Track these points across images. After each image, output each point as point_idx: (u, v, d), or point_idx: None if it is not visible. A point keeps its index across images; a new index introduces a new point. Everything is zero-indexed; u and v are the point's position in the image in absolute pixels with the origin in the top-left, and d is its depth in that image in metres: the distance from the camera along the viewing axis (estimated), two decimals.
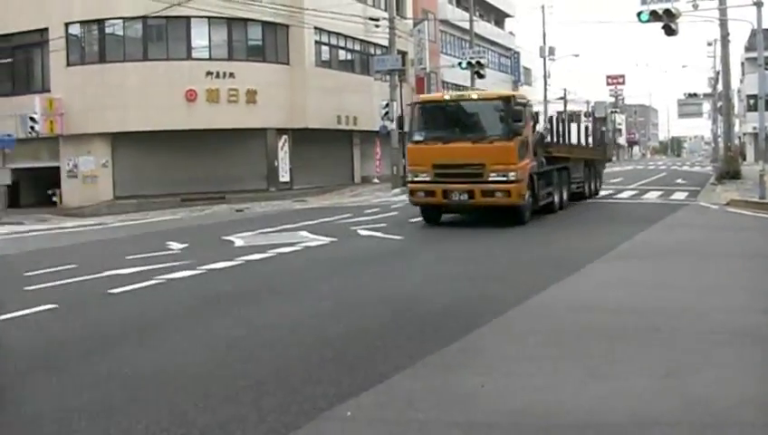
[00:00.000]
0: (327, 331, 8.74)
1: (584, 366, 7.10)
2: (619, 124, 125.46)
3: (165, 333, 9.07)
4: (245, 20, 36.85)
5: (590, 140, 29.92)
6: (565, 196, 23.92)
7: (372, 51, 45.51)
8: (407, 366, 7.10)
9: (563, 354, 7.51)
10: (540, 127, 24.58)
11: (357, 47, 45.09)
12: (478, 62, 45.05)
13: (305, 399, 6.30)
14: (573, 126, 28.55)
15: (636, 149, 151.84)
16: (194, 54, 36.40)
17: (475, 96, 21.52)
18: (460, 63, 46.52)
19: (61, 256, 16.57)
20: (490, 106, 19.78)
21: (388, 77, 40.74)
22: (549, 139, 23.32)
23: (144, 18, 34.75)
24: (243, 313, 10.08)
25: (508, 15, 79.02)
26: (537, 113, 25.69)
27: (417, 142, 20.11)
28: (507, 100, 19.86)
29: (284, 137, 39.12)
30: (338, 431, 5.74)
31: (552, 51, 77.24)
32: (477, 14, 60.74)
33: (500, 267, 13.65)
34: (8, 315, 9.83)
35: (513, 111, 19.11)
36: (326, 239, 17.95)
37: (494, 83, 63.49)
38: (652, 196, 30.03)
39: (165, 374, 7.20)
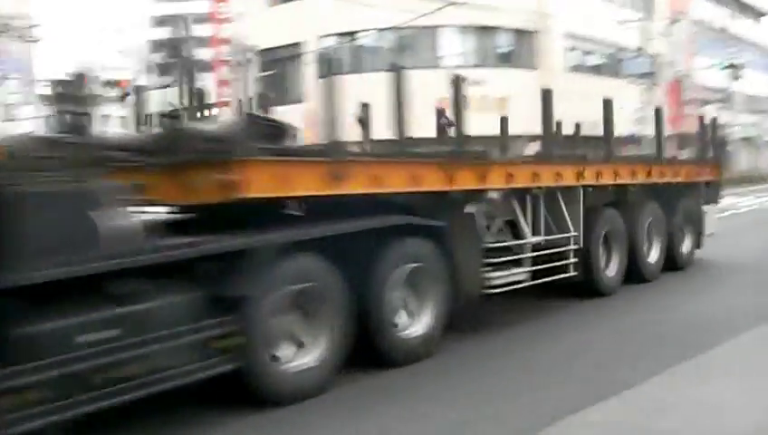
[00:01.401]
0: (577, 336, 8.79)
1: None
2: None
3: None
4: (494, 28, 37.06)
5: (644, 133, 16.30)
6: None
7: (623, 54, 44.39)
8: (655, 374, 7.01)
9: None
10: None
11: (607, 50, 44.10)
12: (734, 64, 43.03)
13: (553, 400, 6.40)
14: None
15: None
16: (442, 63, 36.93)
17: None
18: (716, 65, 44.57)
19: None
20: None
21: (641, 80, 39.52)
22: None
23: (394, 29, 35.66)
24: None
25: (764, 14, 74.56)
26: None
27: None
28: None
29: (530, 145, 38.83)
30: (585, 434, 5.79)
31: None
32: (733, 12, 57.88)
33: None
34: None
35: None
36: None
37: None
38: None
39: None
